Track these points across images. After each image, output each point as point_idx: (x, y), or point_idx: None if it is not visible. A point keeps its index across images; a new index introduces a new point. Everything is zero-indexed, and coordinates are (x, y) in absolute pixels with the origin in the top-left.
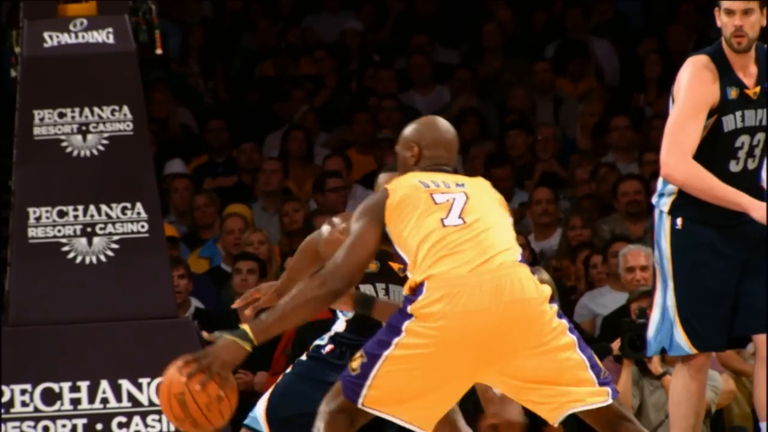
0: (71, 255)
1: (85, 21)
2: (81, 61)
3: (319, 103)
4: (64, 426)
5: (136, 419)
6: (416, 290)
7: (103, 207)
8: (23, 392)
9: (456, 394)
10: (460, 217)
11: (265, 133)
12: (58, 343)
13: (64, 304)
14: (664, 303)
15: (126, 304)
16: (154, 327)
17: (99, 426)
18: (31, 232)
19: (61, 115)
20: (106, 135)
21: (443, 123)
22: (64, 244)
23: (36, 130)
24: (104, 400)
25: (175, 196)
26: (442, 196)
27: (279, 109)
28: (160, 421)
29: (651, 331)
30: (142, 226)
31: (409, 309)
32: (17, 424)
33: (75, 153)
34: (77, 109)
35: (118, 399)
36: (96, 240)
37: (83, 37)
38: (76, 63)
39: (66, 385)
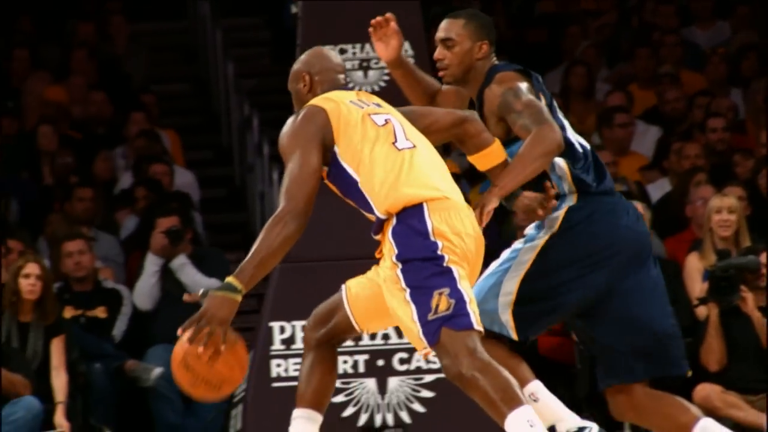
0: None
1: None
2: None
3: (601, 39)
4: (345, 362)
5: (417, 356)
6: (412, 212)
7: None
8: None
9: None
10: (407, 139)
11: (545, 70)
12: (339, 279)
13: (341, 241)
14: None
15: None
16: None
17: (380, 362)
18: None
19: (342, 51)
20: (387, 71)
21: (328, 50)
22: None
23: None
24: (385, 336)
25: None
26: (379, 116)
27: (561, 45)
28: None
29: None
30: None
31: (430, 229)
32: (298, 360)
33: (356, 89)
34: (358, 46)
35: (399, 335)
36: None
37: None
38: None
39: None
